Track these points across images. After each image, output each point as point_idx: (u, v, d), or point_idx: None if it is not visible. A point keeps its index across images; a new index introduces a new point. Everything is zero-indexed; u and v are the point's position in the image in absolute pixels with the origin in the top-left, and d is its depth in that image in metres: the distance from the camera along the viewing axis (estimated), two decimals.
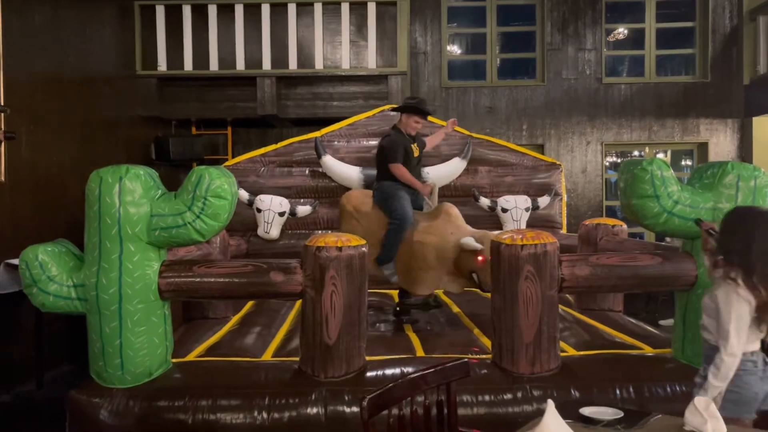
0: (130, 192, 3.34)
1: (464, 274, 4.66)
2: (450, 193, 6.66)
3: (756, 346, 2.52)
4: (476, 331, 4.68)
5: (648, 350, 4.05)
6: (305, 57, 7.89)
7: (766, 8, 8.69)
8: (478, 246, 4.43)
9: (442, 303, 5.26)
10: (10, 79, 5.19)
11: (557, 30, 9.12)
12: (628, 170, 3.69)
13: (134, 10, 7.73)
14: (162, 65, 7.83)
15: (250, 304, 5.49)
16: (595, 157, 9.18)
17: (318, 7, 7.79)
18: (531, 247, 3.51)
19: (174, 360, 3.73)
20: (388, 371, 3.56)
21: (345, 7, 7.79)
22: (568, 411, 2.30)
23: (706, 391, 2.43)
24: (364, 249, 3.60)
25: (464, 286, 4.83)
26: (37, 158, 5.59)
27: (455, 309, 5.40)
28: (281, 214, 6.50)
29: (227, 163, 6.86)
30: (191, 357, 3.99)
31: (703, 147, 9.20)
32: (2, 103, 5.04)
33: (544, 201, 6.80)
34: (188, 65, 7.81)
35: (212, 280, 3.52)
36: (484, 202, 6.68)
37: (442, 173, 6.58)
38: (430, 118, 5.48)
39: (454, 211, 4.90)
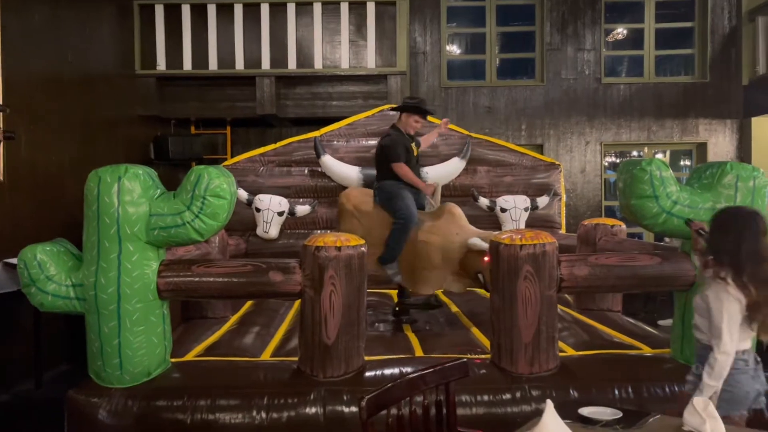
0: (128, 191, 3.34)
1: (469, 275, 4.66)
2: (449, 192, 6.66)
3: (747, 344, 2.53)
4: (474, 330, 4.68)
5: (647, 350, 4.06)
6: (304, 57, 7.89)
7: (765, 9, 8.70)
8: (486, 246, 4.44)
9: (442, 303, 5.26)
10: (9, 79, 5.19)
11: (556, 30, 9.12)
12: (627, 170, 3.69)
13: (133, 9, 7.73)
14: (161, 65, 7.83)
15: (248, 303, 5.49)
16: (594, 157, 9.19)
17: (317, 7, 7.79)
18: (530, 247, 3.52)
19: (173, 360, 3.73)
20: (387, 371, 3.56)
21: (344, 7, 7.79)
22: (566, 411, 2.30)
23: (702, 391, 2.43)
24: (363, 249, 3.59)
25: (467, 286, 4.83)
26: (36, 158, 5.59)
27: (454, 309, 5.41)
28: (280, 214, 6.50)
29: (226, 163, 6.85)
30: (190, 357, 3.99)
31: (702, 147, 9.21)
32: (1, 103, 5.03)
33: (543, 201, 6.80)
34: (187, 65, 7.81)
35: (211, 279, 3.51)
36: (483, 202, 6.68)
37: (441, 173, 6.58)
38: (429, 117, 5.48)
39: (458, 211, 4.90)
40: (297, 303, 5.11)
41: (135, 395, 3.38)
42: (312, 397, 3.37)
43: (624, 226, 5.45)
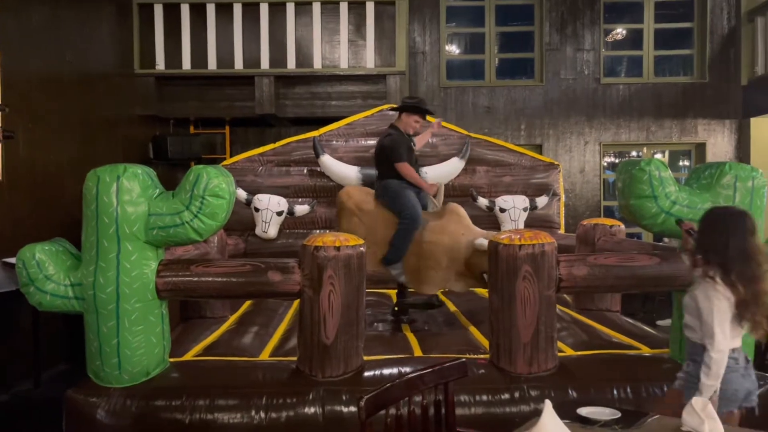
0: (127, 191, 3.34)
1: (474, 275, 4.67)
2: (448, 192, 6.64)
3: (737, 343, 2.54)
4: (472, 329, 4.68)
5: (645, 350, 4.06)
6: (303, 56, 7.89)
7: (764, 9, 8.70)
8: None
9: (442, 303, 5.27)
10: (8, 78, 5.19)
11: (556, 30, 9.12)
12: (626, 170, 3.69)
13: (133, 8, 7.72)
14: (160, 64, 7.82)
15: (247, 303, 5.48)
16: (593, 157, 9.19)
17: (316, 7, 7.79)
18: (529, 247, 3.52)
19: (171, 359, 3.73)
20: (386, 371, 3.56)
21: (343, 7, 7.79)
22: (565, 411, 2.30)
23: (702, 392, 2.44)
24: (362, 249, 3.59)
25: (469, 286, 4.83)
26: (34, 157, 5.58)
27: (452, 308, 5.41)
28: (279, 214, 6.50)
29: (225, 163, 6.85)
30: (189, 356, 3.98)
31: (701, 147, 9.21)
32: (0, 102, 5.03)
33: (542, 201, 6.80)
34: (186, 64, 7.81)
35: (210, 279, 3.51)
36: (482, 202, 6.68)
37: (440, 173, 6.57)
38: (429, 117, 5.49)
39: (462, 211, 4.91)
40: (296, 303, 5.10)
41: (134, 395, 3.38)
42: (311, 396, 3.37)
43: (623, 226, 5.46)
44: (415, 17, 9.06)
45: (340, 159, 6.62)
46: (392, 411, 2.27)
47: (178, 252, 4.29)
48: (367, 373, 3.55)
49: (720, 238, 2.50)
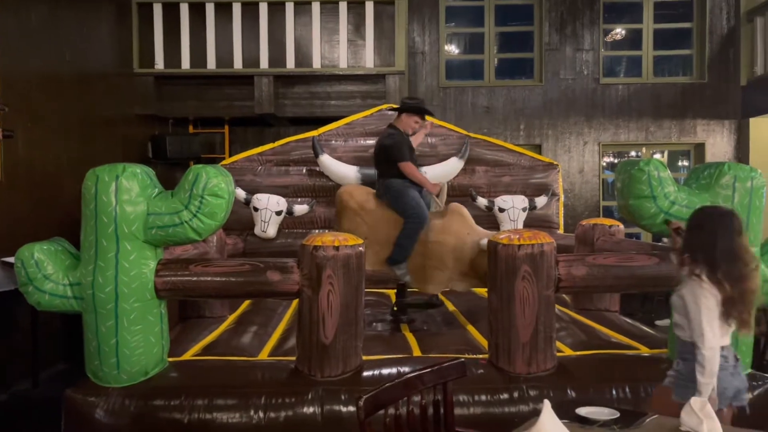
0: (126, 190, 3.33)
1: (479, 275, 4.67)
2: (447, 192, 6.65)
3: (726, 341, 2.56)
4: (470, 327, 4.69)
5: (644, 350, 4.06)
6: (303, 56, 7.89)
7: (763, 9, 8.70)
8: None
9: (442, 302, 5.27)
10: (7, 78, 5.18)
11: (555, 30, 9.12)
12: (625, 171, 3.69)
13: (132, 8, 7.72)
14: (159, 63, 7.82)
15: (246, 303, 5.48)
16: (592, 157, 9.19)
17: (316, 6, 7.78)
18: (528, 247, 3.52)
19: (170, 359, 3.73)
20: (385, 371, 3.56)
21: (343, 6, 7.79)
22: (564, 411, 2.30)
23: (700, 392, 2.44)
24: (361, 248, 3.59)
25: (472, 286, 4.83)
26: (33, 156, 5.58)
27: (451, 308, 5.41)
28: (278, 213, 6.49)
29: (224, 162, 6.85)
30: (187, 356, 3.98)
31: (700, 148, 9.22)
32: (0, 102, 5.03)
33: (541, 201, 6.80)
34: (185, 64, 7.80)
35: (209, 279, 3.51)
36: (482, 202, 6.68)
37: (439, 173, 6.57)
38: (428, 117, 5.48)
39: (465, 211, 4.91)
40: (295, 302, 5.11)
41: (132, 394, 3.38)
42: (309, 396, 3.37)
43: (622, 226, 5.46)
44: (415, 17, 9.06)
45: (339, 159, 6.62)
46: (391, 411, 2.27)
47: (176, 251, 4.28)
48: (365, 373, 3.55)
49: (707, 238, 2.52)
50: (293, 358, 3.67)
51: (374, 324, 4.85)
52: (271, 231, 6.50)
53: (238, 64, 7.81)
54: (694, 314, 2.50)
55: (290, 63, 7.82)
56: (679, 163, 9.78)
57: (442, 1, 9.23)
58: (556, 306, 4.00)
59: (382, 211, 4.88)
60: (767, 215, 3.90)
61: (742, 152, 9.06)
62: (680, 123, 9.14)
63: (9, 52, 5.24)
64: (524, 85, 9.23)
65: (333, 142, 6.73)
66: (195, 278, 3.49)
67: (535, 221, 6.70)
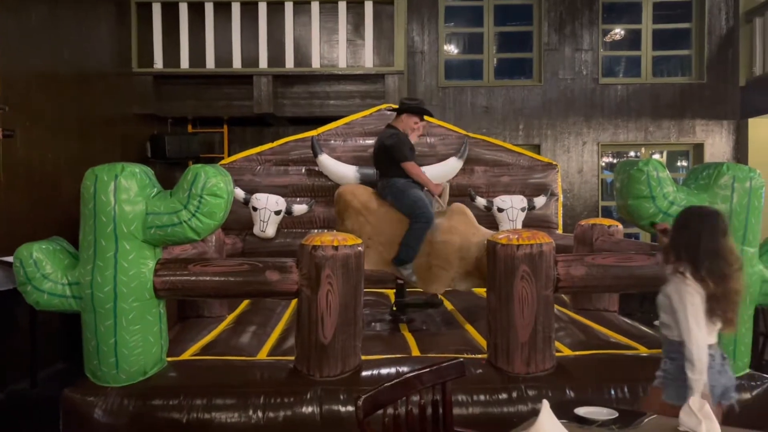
0: (125, 190, 3.33)
1: (483, 274, 4.67)
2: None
3: (712, 339, 2.58)
4: (468, 326, 4.68)
5: (643, 350, 4.06)
6: (302, 55, 7.88)
7: (762, 10, 8.71)
8: None
9: (441, 302, 5.27)
10: (6, 77, 5.18)
11: (554, 30, 9.13)
12: (624, 171, 3.69)
13: (131, 7, 7.71)
14: (158, 63, 7.81)
15: (245, 302, 5.48)
16: (591, 157, 9.20)
17: (315, 6, 7.78)
18: (527, 247, 3.52)
19: (169, 359, 3.73)
20: (384, 371, 3.56)
21: (342, 6, 7.78)
22: (563, 411, 2.30)
23: (692, 389, 2.46)
24: (360, 248, 3.59)
25: (474, 285, 4.83)
26: (32, 156, 5.57)
27: (450, 307, 5.41)
28: (277, 213, 6.49)
29: (223, 162, 6.84)
30: (186, 356, 3.98)
31: (699, 148, 9.22)
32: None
33: (540, 201, 6.80)
34: (185, 63, 7.79)
35: (208, 278, 3.51)
36: (481, 201, 6.68)
37: (438, 173, 6.57)
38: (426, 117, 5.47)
39: (468, 211, 4.91)
40: (294, 302, 5.11)
41: (131, 394, 3.38)
42: (308, 396, 3.37)
43: (621, 226, 5.46)
44: (414, 17, 9.06)
45: (338, 158, 6.62)
46: (390, 411, 2.27)
47: (175, 251, 4.28)
48: (364, 373, 3.55)
49: (692, 236, 2.55)
50: (292, 358, 3.67)
51: (373, 324, 4.85)
52: (270, 231, 6.50)
53: (237, 63, 7.80)
54: (680, 311, 2.52)
55: (289, 63, 7.82)
56: (678, 164, 9.79)
57: (441, 0, 9.23)
58: (555, 306, 4.00)
59: (386, 211, 4.85)
60: (766, 215, 3.91)
61: (740, 152, 9.07)
62: (679, 123, 9.15)
63: (8, 52, 5.23)
64: (523, 85, 9.24)
65: (332, 141, 6.73)
66: (194, 278, 3.49)
67: (534, 221, 6.70)
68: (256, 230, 6.51)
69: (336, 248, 3.46)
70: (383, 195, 4.89)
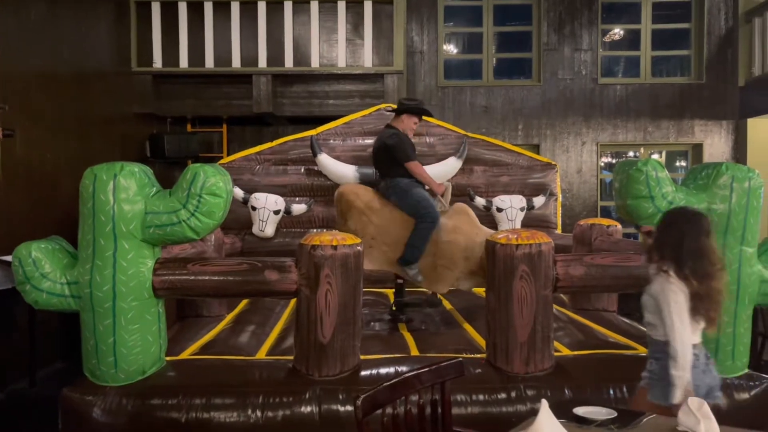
0: (124, 189, 3.33)
1: (486, 274, 4.67)
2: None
3: (696, 339, 2.60)
4: (467, 326, 4.68)
5: (641, 350, 4.05)
6: (301, 55, 7.88)
7: (761, 10, 8.71)
8: None
9: (440, 301, 5.27)
10: (6, 76, 5.17)
11: (553, 30, 9.13)
12: (623, 171, 3.69)
13: (130, 6, 7.70)
14: (157, 62, 7.81)
15: (244, 302, 5.48)
16: (590, 157, 9.20)
17: (314, 5, 7.78)
18: (526, 246, 3.52)
19: (168, 358, 3.73)
20: (383, 370, 3.56)
21: (341, 6, 7.78)
22: (561, 411, 2.30)
23: (675, 385, 2.48)
24: (359, 248, 3.59)
25: (477, 285, 4.83)
26: (31, 155, 5.57)
27: (449, 307, 5.41)
28: (276, 213, 6.49)
29: (222, 161, 6.84)
30: (185, 355, 3.98)
31: (698, 148, 9.22)
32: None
33: (539, 201, 6.81)
34: (184, 62, 7.79)
35: (207, 278, 3.51)
36: (480, 201, 6.68)
37: (437, 173, 6.55)
38: (425, 117, 5.47)
39: (471, 211, 4.91)
40: (293, 302, 5.11)
41: (130, 394, 3.38)
42: (307, 396, 3.37)
43: (620, 226, 5.46)
44: (413, 17, 9.06)
45: (337, 158, 6.62)
46: (389, 410, 2.27)
47: (174, 250, 4.28)
48: (363, 373, 3.56)
49: (676, 235, 2.59)
50: (291, 358, 3.67)
51: (372, 323, 4.85)
52: (269, 230, 6.50)
53: (236, 63, 7.80)
54: (665, 309, 2.55)
55: (289, 62, 7.81)
56: (677, 164, 9.80)
57: (441, 0, 9.23)
58: (554, 306, 4.01)
59: (389, 211, 4.83)
60: (765, 215, 3.91)
61: (739, 152, 9.07)
62: (678, 123, 9.15)
63: (8, 51, 5.23)
64: (522, 85, 9.24)
65: (331, 141, 6.73)
66: (193, 277, 3.49)
67: (533, 221, 6.70)
68: (255, 230, 6.51)
69: (335, 248, 3.46)
70: (386, 195, 4.87)
